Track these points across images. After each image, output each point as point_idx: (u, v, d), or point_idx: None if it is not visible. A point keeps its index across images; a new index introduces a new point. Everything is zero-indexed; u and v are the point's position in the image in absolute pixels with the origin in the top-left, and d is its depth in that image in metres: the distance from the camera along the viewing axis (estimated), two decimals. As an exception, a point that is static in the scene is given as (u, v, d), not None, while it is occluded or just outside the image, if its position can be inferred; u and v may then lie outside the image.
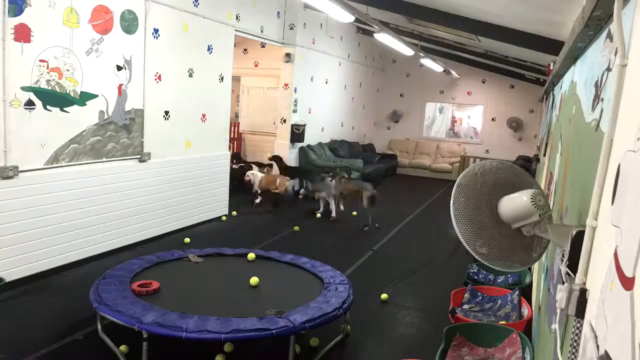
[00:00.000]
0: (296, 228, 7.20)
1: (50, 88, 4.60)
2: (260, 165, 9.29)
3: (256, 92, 11.60)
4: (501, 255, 1.79)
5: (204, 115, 6.88)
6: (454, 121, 14.33)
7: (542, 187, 4.48)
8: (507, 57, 9.41)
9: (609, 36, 1.90)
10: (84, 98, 4.98)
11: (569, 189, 2.52)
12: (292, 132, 9.63)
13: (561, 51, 3.84)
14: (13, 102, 4.31)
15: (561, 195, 2.90)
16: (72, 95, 4.84)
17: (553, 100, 6.26)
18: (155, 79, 5.93)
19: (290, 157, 9.69)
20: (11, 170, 4.34)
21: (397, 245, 6.83)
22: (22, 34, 4.29)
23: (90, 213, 5.21)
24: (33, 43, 4.39)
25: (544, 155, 6.26)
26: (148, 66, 5.75)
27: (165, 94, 6.12)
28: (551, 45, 5.13)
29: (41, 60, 4.48)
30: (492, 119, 13.76)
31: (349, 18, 6.16)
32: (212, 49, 6.82)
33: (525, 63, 8.99)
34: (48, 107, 4.61)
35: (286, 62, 9.42)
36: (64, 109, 4.78)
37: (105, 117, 5.27)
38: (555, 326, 1.73)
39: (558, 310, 1.42)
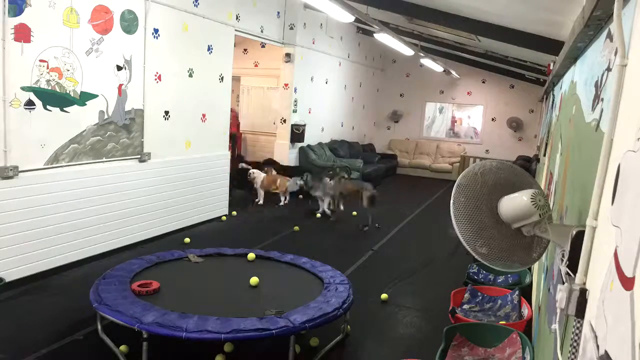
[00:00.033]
0: (296, 228, 7.20)
1: (50, 88, 4.60)
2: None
3: (256, 92, 11.60)
4: (501, 255, 1.79)
5: (204, 115, 6.88)
6: (454, 121, 14.34)
7: (542, 187, 4.48)
8: (507, 57, 9.41)
9: (609, 36, 1.90)
10: (84, 98, 4.98)
11: (569, 189, 2.52)
12: (292, 132, 9.63)
13: (561, 51, 3.84)
14: (13, 102, 4.31)
15: (561, 195, 2.90)
16: (72, 95, 4.84)
17: (553, 100, 6.26)
18: (155, 79, 5.93)
19: (290, 157, 9.69)
20: (11, 170, 4.34)
21: (397, 245, 6.83)
22: (22, 34, 4.29)
23: (90, 213, 5.21)
24: (33, 43, 4.39)
25: (544, 155, 6.26)
26: (148, 66, 5.75)
27: (165, 94, 6.12)
28: (551, 45, 5.13)
29: (41, 60, 4.48)
30: (492, 119, 13.77)
31: (349, 18, 6.16)
32: (212, 49, 6.82)
33: (525, 63, 8.99)
34: (48, 107, 4.61)
35: (286, 62, 9.42)
36: (64, 109, 4.78)
37: (105, 117, 5.27)
38: (555, 326, 1.73)
39: (558, 310, 1.42)
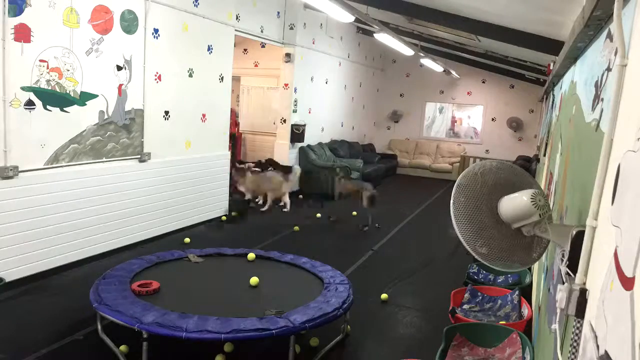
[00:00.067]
0: (296, 228, 7.20)
1: (50, 88, 4.60)
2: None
3: (256, 92, 11.60)
4: (501, 255, 1.79)
5: (204, 115, 6.88)
6: (454, 121, 14.33)
7: (542, 187, 4.48)
8: (507, 57, 9.41)
9: (609, 36, 1.90)
10: (84, 98, 4.98)
11: (569, 189, 2.52)
12: (292, 132, 9.63)
13: (561, 51, 3.84)
14: (13, 102, 4.31)
15: (561, 195, 2.90)
16: (72, 95, 4.84)
17: (553, 100, 6.26)
18: (155, 79, 5.93)
19: (291, 157, 9.69)
20: (11, 170, 4.34)
21: (397, 245, 6.83)
22: (22, 34, 4.29)
23: (90, 213, 5.21)
24: (33, 43, 4.39)
25: (544, 155, 6.26)
26: (148, 66, 5.75)
27: (165, 94, 6.12)
28: (551, 45, 5.13)
29: (41, 60, 4.48)
30: (492, 119, 13.76)
31: (349, 18, 6.16)
32: (212, 49, 6.82)
33: (525, 63, 8.99)
34: (48, 107, 4.61)
35: (286, 62, 9.42)
36: (64, 109, 4.78)
37: (105, 117, 5.27)
38: (555, 326, 1.73)
39: (558, 310, 1.42)
